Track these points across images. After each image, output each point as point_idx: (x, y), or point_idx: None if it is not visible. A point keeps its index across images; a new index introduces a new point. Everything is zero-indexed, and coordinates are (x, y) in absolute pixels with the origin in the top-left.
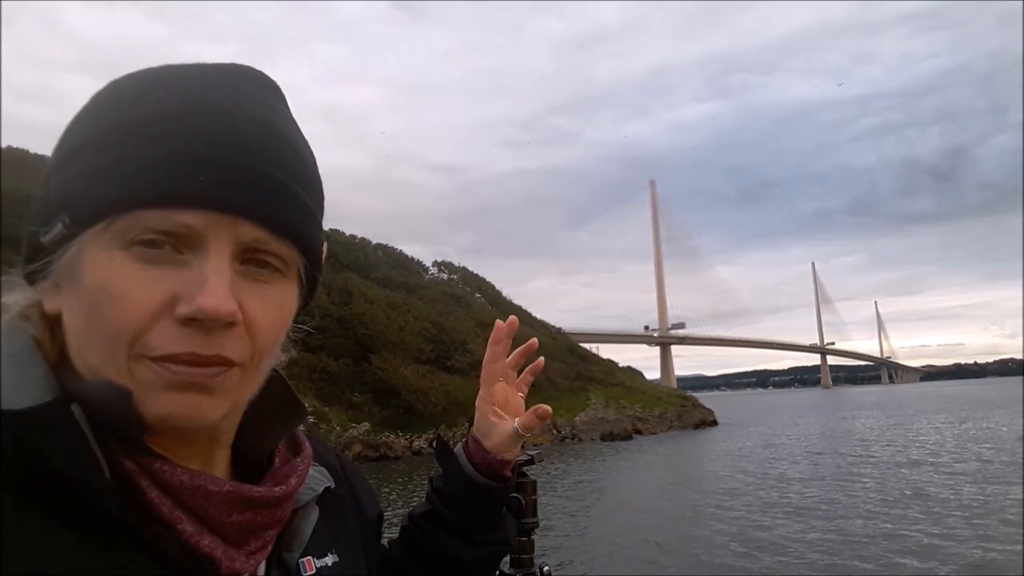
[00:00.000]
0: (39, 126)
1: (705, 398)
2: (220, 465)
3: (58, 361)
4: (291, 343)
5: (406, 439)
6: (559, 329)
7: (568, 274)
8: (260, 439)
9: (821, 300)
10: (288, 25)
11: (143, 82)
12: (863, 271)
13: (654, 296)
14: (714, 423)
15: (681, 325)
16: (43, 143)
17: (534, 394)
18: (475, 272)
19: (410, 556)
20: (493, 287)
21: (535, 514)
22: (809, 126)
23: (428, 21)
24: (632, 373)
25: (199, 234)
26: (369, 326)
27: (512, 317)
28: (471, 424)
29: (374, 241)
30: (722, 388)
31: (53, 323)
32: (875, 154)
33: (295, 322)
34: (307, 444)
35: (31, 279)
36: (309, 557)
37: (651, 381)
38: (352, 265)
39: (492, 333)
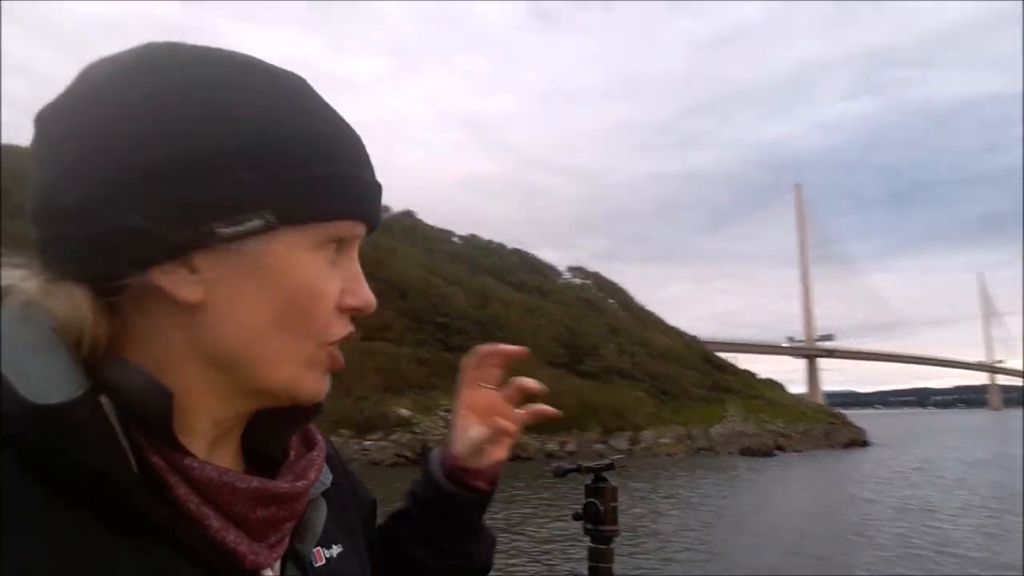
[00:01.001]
0: None
1: (856, 416)
2: (232, 456)
3: (98, 352)
4: None
5: (538, 441)
6: (693, 337)
7: (703, 280)
8: (274, 433)
9: (989, 313)
10: (431, 39)
11: (288, 86)
12: None
13: (798, 304)
14: (865, 443)
15: (829, 337)
16: None
17: (667, 402)
18: (608, 277)
19: (384, 554)
20: (626, 292)
21: (615, 521)
22: (973, 123)
23: (563, 28)
24: (773, 386)
25: (354, 241)
26: (504, 328)
27: (518, 349)
28: (603, 429)
29: (510, 246)
30: (876, 406)
31: (99, 315)
32: None
33: None
34: (320, 438)
35: (140, 263)
36: (319, 548)
37: (795, 395)
38: (489, 269)
39: (489, 347)
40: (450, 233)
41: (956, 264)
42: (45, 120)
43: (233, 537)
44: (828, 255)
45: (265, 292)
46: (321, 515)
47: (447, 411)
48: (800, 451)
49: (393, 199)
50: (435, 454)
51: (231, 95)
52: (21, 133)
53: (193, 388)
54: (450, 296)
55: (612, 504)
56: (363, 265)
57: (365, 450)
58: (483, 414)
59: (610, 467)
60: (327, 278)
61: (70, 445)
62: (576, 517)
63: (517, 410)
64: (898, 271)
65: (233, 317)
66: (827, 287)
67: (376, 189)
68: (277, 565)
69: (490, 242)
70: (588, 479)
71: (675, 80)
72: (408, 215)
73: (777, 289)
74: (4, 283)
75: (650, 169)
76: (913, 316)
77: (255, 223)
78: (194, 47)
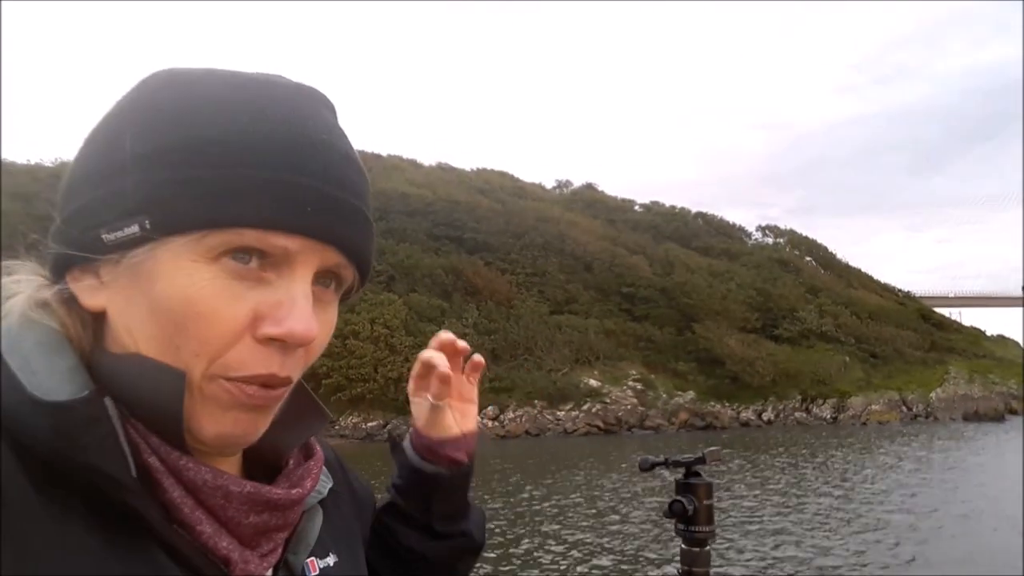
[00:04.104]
0: None
1: None
2: (232, 467)
3: (92, 352)
4: None
5: (733, 409)
6: (908, 293)
7: (917, 230)
8: (277, 443)
9: None
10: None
11: (225, 91)
12: None
13: None
14: None
15: None
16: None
17: (878, 366)
18: (804, 234)
19: (376, 550)
20: (826, 249)
21: (710, 521)
22: None
23: None
24: (1005, 343)
25: (290, 257)
26: (691, 295)
27: (476, 357)
28: (803, 397)
29: (694, 210)
30: None
31: (84, 316)
32: None
33: None
34: (318, 448)
35: (61, 270)
36: (312, 558)
37: None
38: (673, 236)
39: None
40: (632, 202)
41: None
42: None
43: (225, 543)
44: None
45: (146, 305)
46: (316, 525)
47: (636, 381)
48: None
49: (574, 174)
50: (405, 443)
51: (153, 107)
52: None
53: None
54: (634, 266)
55: (706, 502)
56: (547, 241)
57: (559, 420)
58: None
59: (701, 460)
60: (221, 296)
61: (75, 443)
62: (666, 515)
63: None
64: None
65: (125, 328)
66: None
67: (325, 199)
68: (269, 574)
69: (672, 207)
70: (679, 473)
71: (873, 10)
72: (590, 187)
73: (1009, 234)
74: (12, 284)
75: (849, 112)
76: None
77: (133, 230)
78: (194, 71)
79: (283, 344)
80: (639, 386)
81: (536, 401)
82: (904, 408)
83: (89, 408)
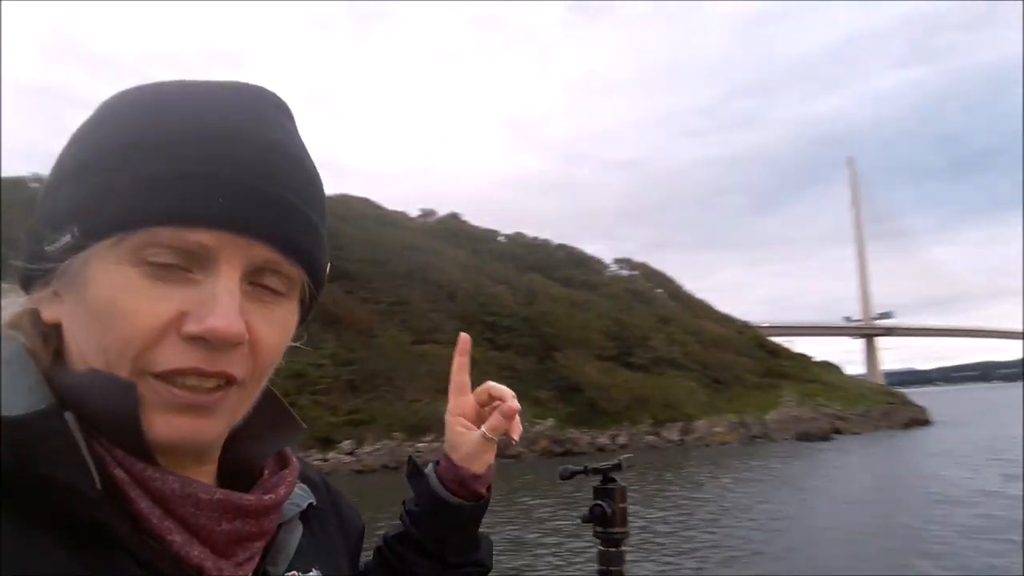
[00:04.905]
0: None
1: (917, 394)
2: (207, 479)
3: (51, 368)
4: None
5: (590, 435)
6: (745, 323)
7: (755, 264)
8: (251, 453)
9: None
10: (469, 37)
11: (157, 98)
12: None
13: (855, 284)
14: (926, 422)
15: (888, 315)
16: None
17: (721, 390)
18: (656, 267)
19: None
20: (674, 281)
21: (624, 523)
22: None
23: (602, 19)
24: (829, 368)
25: (211, 253)
26: (553, 324)
27: (464, 335)
28: (654, 421)
29: (556, 242)
30: (937, 383)
31: (47, 331)
32: None
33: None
34: (294, 459)
35: (27, 286)
36: (294, 571)
37: (853, 377)
38: (535, 266)
39: (458, 344)
40: (495, 232)
41: (1021, 233)
42: None
43: (197, 553)
44: (886, 231)
45: (79, 311)
46: (295, 537)
47: None
48: (859, 433)
49: (439, 203)
50: (429, 470)
51: (92, 119)
52: None
53: None
54: (498, 295)
55: (621, 505)
56: (411, 270)
57: (419, 452)
58: (474, 420)
59: (617, 467)
60: (142, 296)
61: (32, 457)
62: (585, 520)
63: (500, 413)
64: (960, 243)
65: (73, 338)
66: (885, 264)
67: (243, 190)
68: None
69: (535, 239)
70: (596, 480)
71: (718, 62)
72: (454, 217)
73: (833, 269)
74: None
75: (696, 155)
76: (977, 289)
77: (66, 239)
78: (147, 84)
79: (208, 343)
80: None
81: (395, 433)
82: (743, 429)
83: (46, 422)
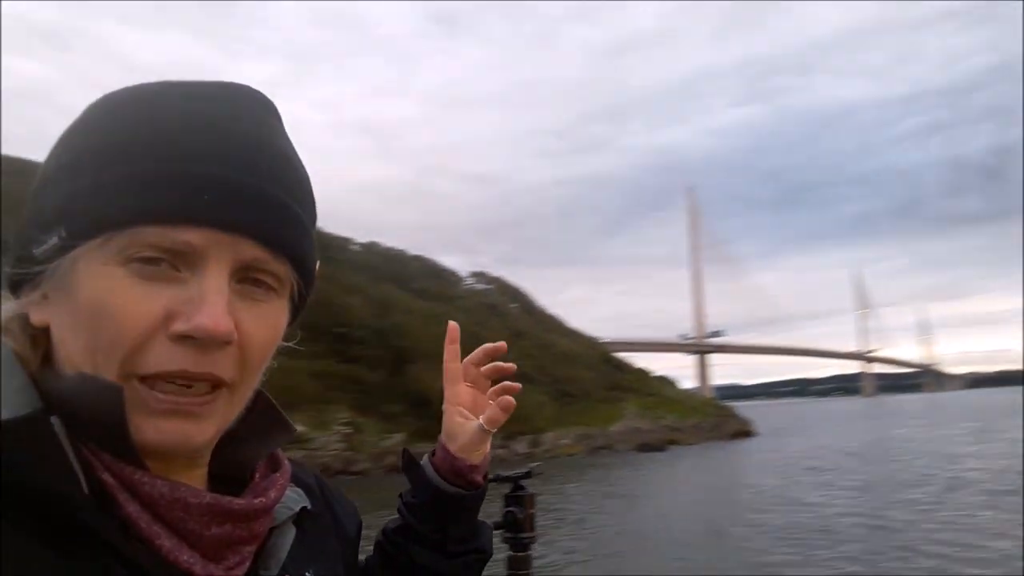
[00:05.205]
0: None
1: (742, 408)
2: (197, 483)
3: (39, 371)
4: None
5: None
6: (593, 338)
7: (603, 282)
8: (241, 456)
9: (863, 305)
10: (328, 43)
11: (142, 98)
12: (907, 275)
13: (690, 303)
14: (750, 434)
15: (719, 333)
16: None
17: (571, 403)
18: (510, 282)
19: (385, 571)
20: (528, 297)
21: (533, 528)
22: (850, 127)
23: (462, 35)
24: (665, 382)
25: (199, 252)
26: (406, 336)
27: (453, 323)
28: (505, 435)
29: (411, 252)
30: (759, 397)
31: (36, 334)
32: (921, 154)
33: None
34: (286, 461)
35: (15, 289)
36: (286, 575)
37: (687, 390)
38: (391, 277)
39: (447, 332)
40: (348, 240)
41: (834, 260)
42: None
43: (186, 557)
44: (719, 256)
45: (66, 313)
46: (287, 540)
47: (344, 425)
48: (691, 444)
49: None
50: (425, 461)
51: (79, 120)
52: None
53: None
54: (349, 306)
55: (530, 511)
56: None
57: None
58: (471, 408)
59: (528, 475)
60: (130, 296)
61: (18, 462)
62: (497, 527)
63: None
64: (782, 269)
65: (61, 341)
66: (717, 286)
67: (229, 187)
68: None
69: (390, 249)
70: (507, 488)
71: (574, 86)
72: None
73: (673, 289)
74: None
75: (551, 175)
76: (795, 311)
77: (53, 240)
78: (137, 84)
79: (196, 342)
80: (348, 430)
81: None
82: (588, 441)
83: (32, 427)
